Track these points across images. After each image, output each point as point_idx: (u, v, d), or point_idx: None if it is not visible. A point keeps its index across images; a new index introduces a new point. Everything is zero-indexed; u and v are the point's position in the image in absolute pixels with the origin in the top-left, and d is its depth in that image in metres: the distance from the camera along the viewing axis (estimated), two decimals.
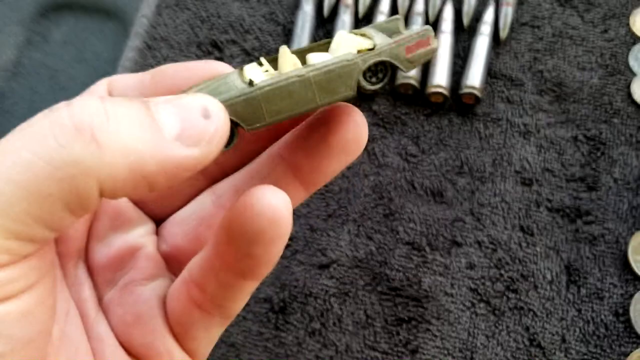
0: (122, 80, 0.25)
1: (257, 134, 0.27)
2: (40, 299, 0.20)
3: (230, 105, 0.22)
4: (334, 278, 0.41)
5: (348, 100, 0.24)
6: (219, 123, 0.20)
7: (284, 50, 0.23)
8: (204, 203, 0.27)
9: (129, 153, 0.19)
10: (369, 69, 0.23)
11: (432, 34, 0.24)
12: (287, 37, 0.47)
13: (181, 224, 0.27)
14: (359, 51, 0.23)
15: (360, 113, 0.25)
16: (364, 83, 0.23)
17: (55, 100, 0.21)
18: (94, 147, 0.18)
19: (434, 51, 0.24)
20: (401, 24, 0.25)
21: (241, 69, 0.24)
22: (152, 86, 0.25)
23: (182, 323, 0.25)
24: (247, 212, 0.22)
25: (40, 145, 0.18)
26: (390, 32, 0.25)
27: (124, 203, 0.27)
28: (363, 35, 0.24)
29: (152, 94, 0.24)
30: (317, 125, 0.25)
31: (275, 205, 0.22)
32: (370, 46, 0.23)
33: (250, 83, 0.22)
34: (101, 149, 0.18)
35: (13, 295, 0.19)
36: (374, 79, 0.24)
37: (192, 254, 0.26)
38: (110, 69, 0.24)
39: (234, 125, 0.22)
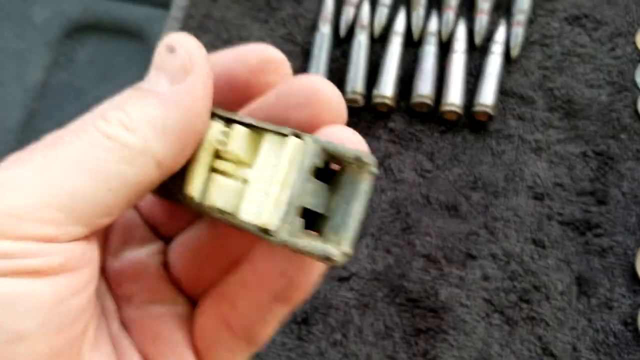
0: None
1: None
2: (77, 287, 0.20)
3: None
4: (354, 290, 0.42)
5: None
6: (185, 51, 0.21)
7: None
8: (201, 229, 0.27)
9: (158, 127, 0.20)
10: None
11: None
12: (305, 57, 0.49)
13: (183, 250, 0.27)
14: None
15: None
16: None
17: None
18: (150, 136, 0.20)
19: None
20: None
21: None
22: None
23: (207, 340, 0.25)
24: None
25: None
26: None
27: (134, 219, 0.27)
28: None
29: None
30: None
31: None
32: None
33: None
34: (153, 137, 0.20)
35: (50, 272, 0.19)
36: None
37: (195, 283, 0.26)
38: None
39: None
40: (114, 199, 0.20)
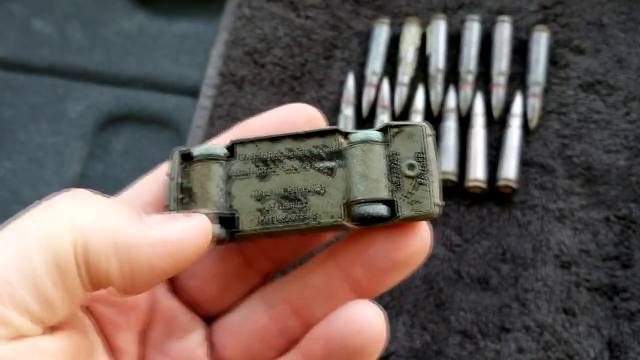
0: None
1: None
2: None
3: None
4: None
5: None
6: (197, 226, 0.23)
7: None
8: (255, 313, 0.27)
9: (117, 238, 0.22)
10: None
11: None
12: None
13: (233, 334, 0.27)
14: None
15: (426, 227, 0.26)
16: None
17: None
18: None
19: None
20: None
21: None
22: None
23: None
24: (349, 328, 0.24)
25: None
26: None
27: (175, 307, 0.27)
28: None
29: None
30: (380, 240, 0.26)
31: (376, 322, 0.24)
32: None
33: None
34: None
35: None
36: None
37: None
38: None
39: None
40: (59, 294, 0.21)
